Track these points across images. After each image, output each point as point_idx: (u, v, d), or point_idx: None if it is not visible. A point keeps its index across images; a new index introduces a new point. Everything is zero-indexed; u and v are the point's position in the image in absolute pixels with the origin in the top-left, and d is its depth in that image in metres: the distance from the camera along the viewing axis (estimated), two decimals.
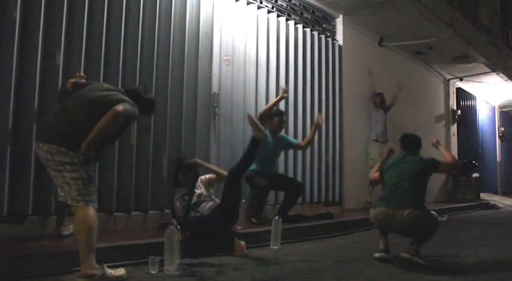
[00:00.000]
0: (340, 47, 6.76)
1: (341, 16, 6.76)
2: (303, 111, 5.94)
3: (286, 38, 5.79)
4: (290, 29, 5.87)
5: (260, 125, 3.65)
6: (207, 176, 3.96)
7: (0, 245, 2.81)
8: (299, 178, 5.69)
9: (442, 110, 10.25)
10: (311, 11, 6.36)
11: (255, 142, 3.72)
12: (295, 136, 5.73)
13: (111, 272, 2.51)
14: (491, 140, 13.32)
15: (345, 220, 5.28)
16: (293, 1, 6.04)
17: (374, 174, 3.80)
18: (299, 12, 6.14)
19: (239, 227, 3.93)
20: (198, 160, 3.98)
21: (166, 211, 4.14)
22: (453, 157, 3.76)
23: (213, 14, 4.84)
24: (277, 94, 5.52)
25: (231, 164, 4.84)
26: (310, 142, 5.17)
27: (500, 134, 13.80)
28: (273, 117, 4.73)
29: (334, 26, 6.81)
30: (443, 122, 10.24)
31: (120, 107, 2.54)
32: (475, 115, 12.32)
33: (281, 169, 5.44)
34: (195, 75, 4.62)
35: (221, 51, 4.92)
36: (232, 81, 5.02)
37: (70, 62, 3.60)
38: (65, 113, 2.67)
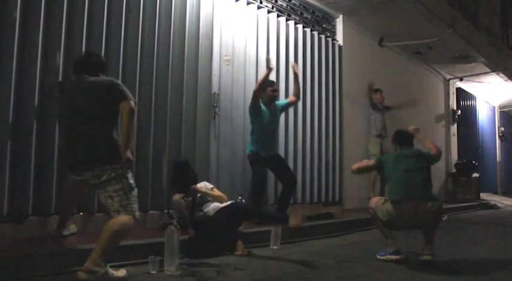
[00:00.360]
0: (340, 47, 6.76)
1: (341, 16, 6.76)
2: (303, 111, 5.94)
3: (286, 38, 5.79)
4: (290, 29, 5.87)
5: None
6: (210, 185, 3.94)
7: (0, 245, 2.81)
8: (299, 178, 5.68)
9: (442, 110, 10.25)
10: (311, 11, 6.36)
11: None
12: (296, 136, 5.74)
13: (113, 272, 2.51)
14: (491, 140, 13.32)
15: (345, 220, 5.28)
16: (293, 1, 6.04)
17: (367, 162, 3.86)
18: (299, 12, 6.14)
19: (240, 227, 3.93)
20: (198, 189, 3.80)
21: (166, 211, 4.14)
22: (437, 146, 3.74)
23: (213, 14, 4.84)
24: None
25: (231, 164, 4.87)
26: (299, 92, 5.01)
27: (500, 134, 13.80)
28: (265, 88, 4.62)
29: (334, 26, 6.81)
30: (443, 122, 10.24)
31: (131, 104, 2.52)
32: (475, 115, 12.32)
33: None
34: (195, 75, 4.62)
35: (221, 51, 4.92)
36: (232, 81, 5.02)
37: (70, 62, 3.59)
38: (76, 129, 2.60)
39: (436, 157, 3.65)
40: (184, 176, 3.86)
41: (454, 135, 10.55)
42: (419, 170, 3.46)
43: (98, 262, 2.40)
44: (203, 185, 3.89)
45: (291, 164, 5.57)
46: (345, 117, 6.70)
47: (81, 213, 3.60)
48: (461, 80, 10.46)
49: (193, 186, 3.80)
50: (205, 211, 3.73)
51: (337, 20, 6.81)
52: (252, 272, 2.92)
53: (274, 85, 4.78)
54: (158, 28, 4.29)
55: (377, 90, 7.05)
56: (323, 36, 6.46)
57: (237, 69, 5.08)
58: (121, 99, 2.54)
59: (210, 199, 3.81)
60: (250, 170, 5.02)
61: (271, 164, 4.76)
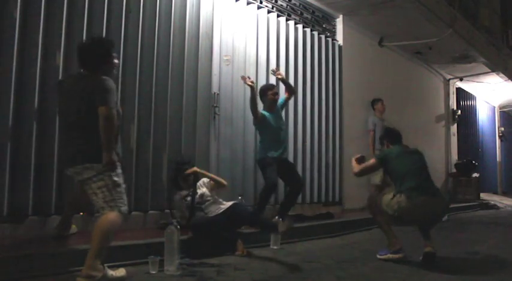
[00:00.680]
0: (340, 47, 6.76)
1: (341, 16, 6.76)
2: (303, 111, 5.94)
3: (286, 38, 5.79)
4: (290, 29, 5.87)
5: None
6: (207, 179, 3.96)
7: (0, 245, 2.81)
8: None
9: (442, 110, 10.25)
10: (311, 11, 6.36)
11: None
12: (295, 136, 5.74)
13: (112, 273, 2.51)
14: (491, 140, 13.32)
15: (345, 220, 5.28)
16: (293, 1, 6.04)
17: (370, 161, 3.66)
18: (299, 12, 6.14)
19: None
20: (197, 169, 3.91)
21: (166, 211, 4.14)
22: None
23: (213, 14, 4.84)
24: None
25: (231, 164, 4.87)
26: (291, 87, 4.92)
27: (500, 134, 13.80)
28: (266, 92, 4.61)
29: (334, 26, 6.81)
30: (443, 122, 10.24)
31: (103, 109, 2.49)
32: (475, 115, 12.32)
33: None
34: (195, 75, 4.62)
35: (221, 51, 4.92)
36: (232, 81, 5.02)
37: (70, 62, 3.60)
38: (68, 126, 2.65)
39: None
40: (186, 180, 3.89)
41: (454, 135, 10.55)
42: (424, 167, 3.55)
43: (95, 266, 2.40)
44: (200, 182, 3.91)
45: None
46: (345, 117, 6.70)
47: (81, 213, 3.60)
48: (461, 80, 10.46)
49: (194, 168, 3.90)
50: (206, 211, 3.73)
51: (337, 20, 6.81)
52: (252, 272, 2.92)
53: (274, 88, 4.75)
54: (158, 28, 4.29)
55: (378, 100, 6.88)
56: (323, 36, 6.46)
57: (237, 69, 5.08)
58: (100, 104, 2.52)
59: (210, 199, 3.81)
60: (250, 170, 5.04)
61: (280, 167, 4.74)
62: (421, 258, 3.31)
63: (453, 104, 10.69)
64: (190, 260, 3.08)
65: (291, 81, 5.75)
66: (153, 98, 4.21)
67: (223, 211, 3.70)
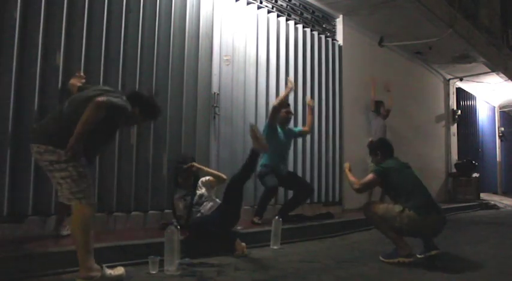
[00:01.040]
0: (340, 47, 6.77)
1: (341, 16, 6.76)
2: (303, 111, 5.94)
3: (286, 38, 5.79)
4: (290, 29, 5.87)
5: (262, 139, 3.66)
6: (208, 177, 3.96)
7: (0, 245, 2.81)
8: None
9: (442, 110, 10.26)
10: (311, 11, 6.36)
11: (254, 155, 3.73)
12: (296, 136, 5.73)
13: (110, 272, 2.51)
14: (491, 140, 13.33)
15: (345, 220, 5.28)
16: (293, 1, 6.04)
17: (369, 177, 3.55)
18: (299, 12, 6.15)
19: (239, 227, 3.93)
20: (197, 165, 3.92)
21: (166, 211, 4.14)
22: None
23: (213, 14, 4.84)
24: (277, 95, 5.52)
25: (231, 164, 4.87)
26: (312, 124, 5.30)
27: (500, 134, 13.81)
28: (280, 109, 4.75)
29: (334, 26, 6.81)
30: (443, 122, 10.24)
31: (101, 98, 2.50)
32: (475, 115, 12.33)
33: None
34: (195, 75, 4.62)
35: (221, 51, 4.92)
36: (232, 81, 5.02)
37: (70, 62, 3.60)
38: (57, 115, 2.66)
39: None
40: (186, 179, 3.88)
41: (454, 135, 10.55)
42: (422, 183, 3.54)
43: (91, 266, 2.39)
44: (200, 181, 3.91)
45: (291, 164, 5.57)
46: (345, 117, 6.70)
47: None
48: (461, 80, 10.46)
49: (194, 164, 3.89)
50: (202, 211, 3.74)
51: (337, 20, 6.82)
52: (252, 272, 2.92)
53: (288, 107, 4.93)
54: (158, 28, 4.29)
55: (379, 103, 6.91)
56: (323, 36, 6.46)
57: (237, 69, 5.08)
58: (99, 96, 2.54)
59: (208, 199, 3.81)
60: None
61: (286, 182, 4.81)
62: (422, 256, 3.30)
63: (453, 104, 10.69)
64: (190, 260, 3.08)
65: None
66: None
67: (218, 206, 3.72)
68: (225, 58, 4.97)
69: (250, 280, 2.75)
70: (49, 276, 2.58)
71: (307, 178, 5.90)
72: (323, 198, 6.18)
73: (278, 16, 5.71)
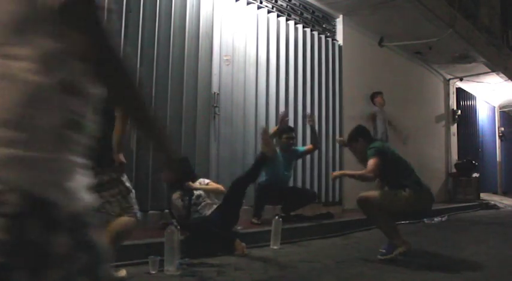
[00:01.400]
0: (340, 47, 6.76)
1: (341, 16, 6.76)
2: (303, 111, 5.94)
3: (286, 38, 5.79)
4: (290, 29, 5.87)
5: (271, 142, 3.63)
6: (206, 181, 3.95)
7: None
8: (299, 178, 5.70)
9: (442, 110, 10.25)
10: (311, 11, 6.36)
11: (262, 158, 3.72)
12: (296, 136, 5.73)
13: (113, 273, 2.51)
14: (491, 140, 13.32)
15: (345, 220, 5.27)
16: (293, 1, 6.04)
17: (374, 161, 3.41)
18: (299, 12, 6.15)
19: (239, 227, 3.93)
20: (192, 185, 3.81)
21: (166, 211, 4.14)
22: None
23: (213, 14, 4.84)
24: (277, 95, 5.53)
25: (231, 164, 4.88)
26: (316, 140, 5.11)
27: (500, 134, 13.80)
28: (281, 135, 4.72)
29: (334, 26, 6.81)
30: (443, 122, 10.24)
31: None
32: (475, 115, 12.32)
33: None
34: (195, 75, 4.62)
35: (221, 51, 4.92)
36: (232, 81, 5.02)
37: None
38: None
39: None
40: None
41: (454, 135, 10.54)
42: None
43: None
44: (197, 183, 3.90)
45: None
46: (345, 117, 6.70)
47: None
48: (461, 80, 10.45)
49: (188, 183, 3.80)
50: (201, 212, 3.74)
51: (337, 20, 6.82)
52: (252, 272, 2.92)
53: (290, 133, 4.85)
54: (158, 28, 4.29)
55: (378, 94, 6.96)
56: (323, 36, 6.46)
57: (237, 69, 5.08)
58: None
59: (206, 200, 3.81)
60: None
61: (286, 194, 4.79)
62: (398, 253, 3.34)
63: (453, 104, 10.69)
64: (190, 260, 3.08)
65: (291, 81, 5.77)
66: (153, 98, 4.21)
67: (217, 206, 3.71)
68: (225, 58, 4.97)
69: (250, 280, 2.75)
70: None
71: (307, 178, 5.91)
72: (323, 198, 6.18)
73: (278, 16, 5.71)
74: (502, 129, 13.89)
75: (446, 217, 6.76)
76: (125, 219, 2.48)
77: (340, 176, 3.62)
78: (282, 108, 5.52)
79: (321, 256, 3.58)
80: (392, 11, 6.51)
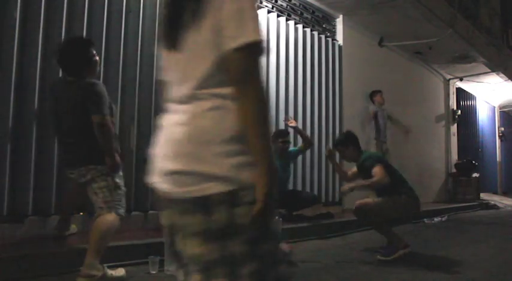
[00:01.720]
0: (340, 47, 6.76)
1: (341, 16, 6.76)
2: (303, 111, 5.94)
3: (286, 38, 5.79)
4: (290, 29, 5.87)
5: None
6: None
7: (0, 245, 2.81)
8: (299, 178, 5.69)
9: (442, 110, 10.25)
10: (311, 11, 6.36)
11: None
12: (295, 136, 5.73)
13: (111, 273, 2.52)
14: (491, 140, 13.32)
15: (345, 220, 5.27)
16: (293, 1, 6.04)
17: (379, 169, 3.43)
18: (299, 12, 6.14)
19: None
20: None
21: None
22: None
23: None
24: (277, 95, 5.52)
25: None
26: (307, 139, 5.10)
27: (500, 134, 13.80)
28: (276, 139, 4.69)
29: (334, 26, 6.81)
30: (443, 122, 10.24)
31: (97, 119, 2.48)
32: (475, 115, 12.32)
33: None
34: None
35: None
36: None
37: None
38: (66, 132, 2.66)
39: None
40: None
41: (454, 135, 10.54)
42: None
43: (94, 265, 2.41)
44: None
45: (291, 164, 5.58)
46: (345, 117, 6.69)
47: (81, 213, 3.60)
48: (461, 80, 10.45)
49: None
50: None
51: (337, 20, 6.81)
52: None
53: (285, 137, 4.83)
54: (158, 28, 4.29)
55: (377, 92, 6.99)
56: (323, 36, 6.46)
57: None
58: (93, 113, 2.51)
59: None
60: None
61: (287, 199, 4.79)
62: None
63: (453, 104, 10.69)
64: None
65: (291, 81, 5.77)
66: (153, 98, 4.20)
67: None
68: None
69: None
70: (49, 276, 2.58)
71: (308, 178, 5.90)
72: (323, 198, 6.17)
73: (278, 16, 5.70)
74: (502, 129, 13.89)
75: (446, 217, 6.76)
76: (107, 217, 2.48)
77: (352, 190, 3.55)
78: (282, 108, 5.52)
79: (321, 256, 3.58)
80: (392, 11, 6.51)
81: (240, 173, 0.96)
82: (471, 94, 11.93)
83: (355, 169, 3.82)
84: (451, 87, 10.61)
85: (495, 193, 12.42)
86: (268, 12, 5.58)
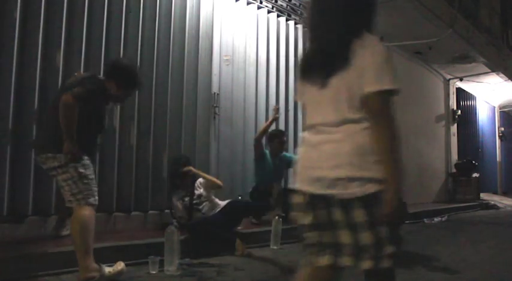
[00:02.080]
0: None
1: None
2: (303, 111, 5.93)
3: (286, 38, 5.79)
4: (290, 29, 5.87)
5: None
6: (202, 180, 3.95)
7: (0, 245, 2.81)
8: None
9: (442, 110, 10.25)
10: None
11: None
12: (295, 137, 5.73)
13: (110, 270, 2.50)
14: (491, 140, 13.32)
15: None
16: (293, 1, 6.04)
17: None
18: (299, 12, 6.14)
19: (239, 227, 3.93)
20: (194, 169, 3.87)
21: (166, 211, 4.14)
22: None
23: (213, 14, 4.84)
24: (277, 95, 5.53)
25: (231, 164, 4.87)
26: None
27: (500, 134, 13.80)
28: (273, 139, 4.65)
29: None
30: (443, 122, 10.24)
31: (64, 97, 2.41)
32: (475, 115, 12.32)
33: None
34: (195, 75, 4.62)
35: (221, 51, 4.92)
36: (232, 81, 5.02)
37: (70, 62, 3.60)
38: (46, 119, 2.67)
39: None
40: (184, 180, 3.87)
41: (454, 135, 10.54)
42: None
43: (89, 266, 2.38)
44: (202, 180, 3.90)
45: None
46: None
47: None
48: (461, 80, 10.45)
49: (188, 167, 3.83)
50: (203, 211, 3.74)
51: None
52: (252, 272, 2.92)
53: (282, 136, 4.71)
54: (158, 28, 4.29)
55: None
56: None
57: (237, 69, 5.08)
58: (64, 92, 2.45)
59: (207, 199, 3.81)
60: (250, 170, 5.03)
61: (282, 198, 4.70)
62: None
63: (453, 104, 10.69)
64: (190, 260, 3.08)
65: (291, 81, 5.77)
66: (153, 98, 4.21)
67: (220, 209, 3.71)
68: (225, 58, 4.97)
69: (250, 280, 2.75)
70: (49, 276, 2.58)
71: None
72: None
73: (278, 16, 5.71)
74: (502, 129, 13.89)
75: (446, 217, 6.76)
76: (79, 215, 2.43)
77: None
78: (282, 109, 5.52)
79: None
80: (392, 11, 6.50)
81: (382, 177, 1.28)
82: (471, 94, 11.93)
83: None
84: (451, 87, 10.61)
85: (495, 193, 12.42)
86: (268, 12, 5.58)
